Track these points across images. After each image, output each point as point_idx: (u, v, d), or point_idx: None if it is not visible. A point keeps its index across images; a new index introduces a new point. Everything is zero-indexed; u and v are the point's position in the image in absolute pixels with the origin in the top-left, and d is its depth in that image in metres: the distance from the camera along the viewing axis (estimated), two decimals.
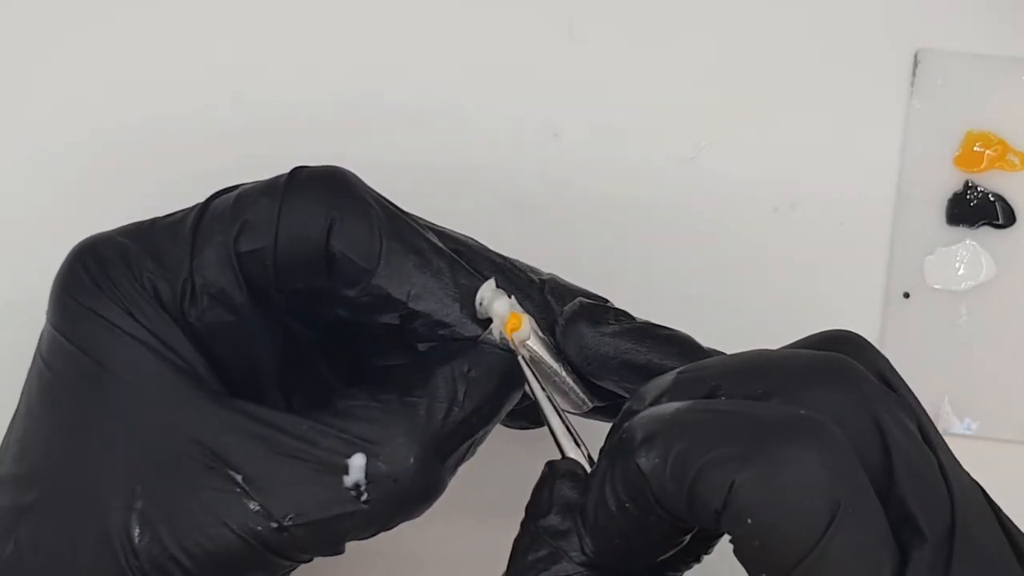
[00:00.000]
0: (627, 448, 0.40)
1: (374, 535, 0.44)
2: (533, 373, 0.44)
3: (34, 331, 0.45)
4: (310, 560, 0.44)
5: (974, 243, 0.55)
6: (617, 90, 0.55)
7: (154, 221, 0.45)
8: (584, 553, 0.41)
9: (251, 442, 0.43)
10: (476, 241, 0.46)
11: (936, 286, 0.55)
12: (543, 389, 0.44)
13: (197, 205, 0.45)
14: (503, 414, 0.45)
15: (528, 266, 0.46)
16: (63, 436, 0.43)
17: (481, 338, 0.44)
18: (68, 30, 0.56)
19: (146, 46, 0.56)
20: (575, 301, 0.45)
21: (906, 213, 0.55)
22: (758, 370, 0.40)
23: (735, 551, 0.39)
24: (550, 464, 0.43)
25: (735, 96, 0.56)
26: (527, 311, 0.45)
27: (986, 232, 0.55)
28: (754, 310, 0.55)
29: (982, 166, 0.55)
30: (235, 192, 0.45)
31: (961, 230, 0.55)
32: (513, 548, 0.42)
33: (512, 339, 0.44)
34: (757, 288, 0.55)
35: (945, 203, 0.55)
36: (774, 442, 0.38)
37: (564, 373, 0.44)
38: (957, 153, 0.55)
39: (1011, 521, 0.41)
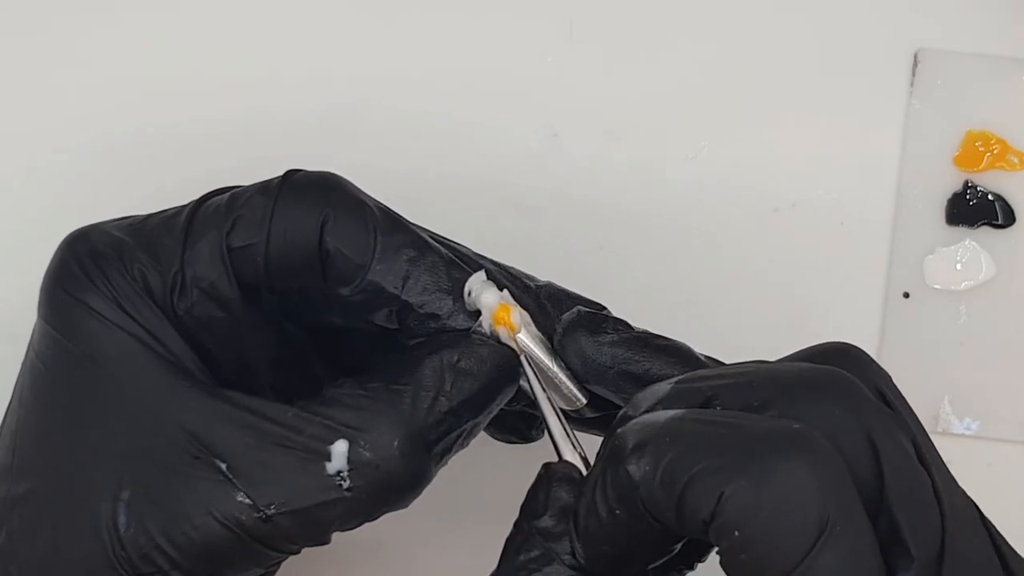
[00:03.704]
0: (618, 455, 0.40)
1: (359, 525, 0.44)
2: (533, 371, 0.44)
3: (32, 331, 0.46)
4: (298, 551, 0.44)
5: (974, 243, 0.55)
6: (617, 91, 0.56)
7: (148, 216, 0.45)
8: (575, 558, 0.41)
9: (237, 431, 0.43)
10: (469, 249, 0.46)
11: (936, 286, 0.55)
12: (543, 389, 0.44)
13: (191, 202, 0.45)
14: (494, 407, 0.44)
15: (523, 272, 0.46)
16: (54, 428, 0.43)
17: (472, 329, 0.44)
18: (69, 33, 0.56)
19: (149, 50, 0.56)
20: (573, 310, 0.45)
21: (906, 213, 0.55)
22: (755, 382, 0.40)
23: (721, 563, 0.38)
24: (547, 466, 0.43)
25: (735, 97, 0.56)
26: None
27: (986, 232, 0.55)
28: (754, 311, 0.55)
29: (982, 166, 0.55)
30: (230, 191, 0.45)
31: (961, 230, 0.55)
32: (505, 547, 0.42)
33: (499, 331, 0.44)
34: (757, 289, 0.55)
35: (945, 203, 0.55)
36: (765, 454, 0.38)
37: (556, 368, 0.44)
38: (957, 153, 0.55)
39: (1005, 540, 0.41)
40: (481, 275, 0.44)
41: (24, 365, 0.45)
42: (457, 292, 0.44)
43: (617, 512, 0.40)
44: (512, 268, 0.46)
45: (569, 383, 0.44)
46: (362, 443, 0.42)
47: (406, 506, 0.44)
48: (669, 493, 0.38)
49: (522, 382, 0.45)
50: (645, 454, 0.39)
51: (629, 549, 0.41)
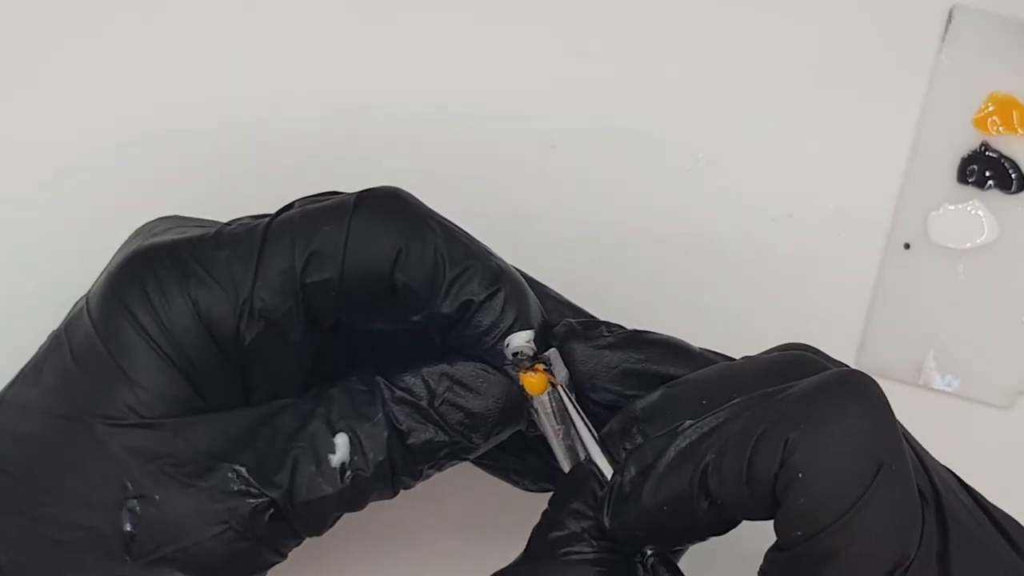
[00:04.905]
0: (685, 453, 0.41)
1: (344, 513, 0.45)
2: (569, 398, 0.44)
3: (36, 338, 0.46)
4: (297, 544, 0.45)
5: (981, 204, 0.55)
6: (614, 103, 0.55)
7: (216, 233, 0.44)
8: (603, 536, 0.42)
9: (250, 436, 0.44)
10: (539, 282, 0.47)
11: (937, 241, 0.55)
12: (579, 413, 0.44)
13: (259, 223, 0.44)
14: (490, 434, 0.45)
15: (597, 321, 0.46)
16: (65, 425, 0.44)
17: (505, 361, 0.44)
18: (78, 46, 0.55)
19: (158, 60, 0.55)
20: (563, 322, 0.45)
21: (918, 165, 0.55)
22: (726, 379, 0.42)
23: (776, 521, 0.39)
24: (579, 464, 0.44)
25: (733, 107, 0.55)
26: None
27: (994, 195, 0.55)
28: (753, 319, 0.55)
29: (1000, 129, 0.55)
30: (296, 214, 0.44)
31: (970, 189, 0.55)
32: (533, 532, 0.43)
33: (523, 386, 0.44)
34: (756, 297, 0.55)
35: (958, 161, 0.55)
36: (823, 399, 0.39)
37: (557, 437, 0.44)
38: (977, 114, 0.55)
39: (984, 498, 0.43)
40: (527, 335, 0.44)
41: (52, 345, 0.45)
42: (515, 328, 0.44)
43: (665, 508, 0.41)
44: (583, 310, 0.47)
45: (564, 453, 0.44)
46: (360, 436, 0.44)
47: (393, 496, 0.45)
48: (739, 463, 0.39)
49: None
50: (711, 437, 0.41)
51: (664, 535, 0.42)
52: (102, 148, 0.55)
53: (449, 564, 0.53)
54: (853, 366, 0.53)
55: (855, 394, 0.39)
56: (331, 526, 0.45)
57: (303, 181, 0.48)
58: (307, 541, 0.45)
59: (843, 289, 0.55)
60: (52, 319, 0.46)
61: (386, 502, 0.45)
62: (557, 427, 0.44)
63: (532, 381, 0.43)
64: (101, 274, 0.45)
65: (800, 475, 0.38)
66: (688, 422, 0.42)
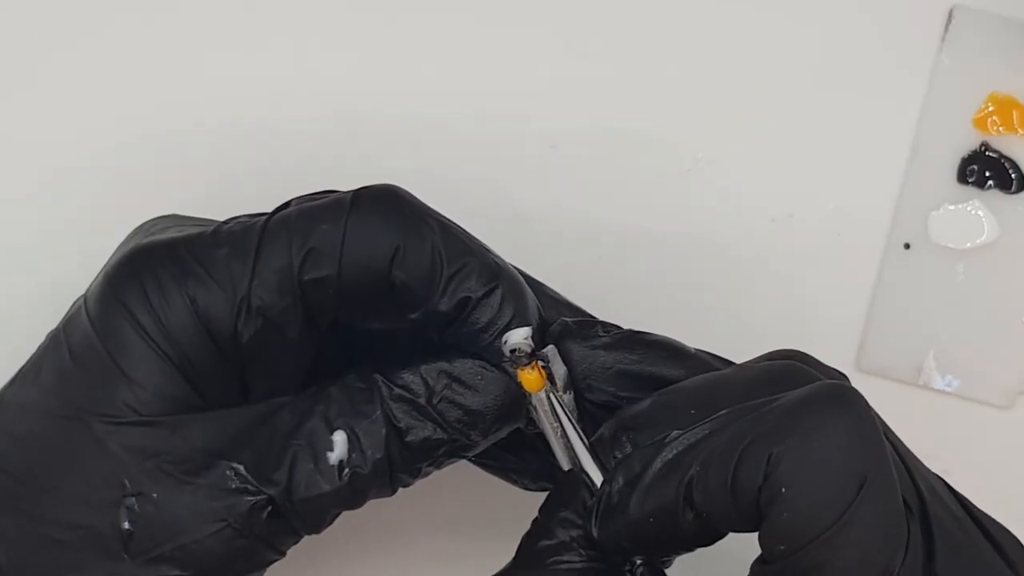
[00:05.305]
0: (673, 465, 0.41)
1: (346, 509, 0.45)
2: (561, 405, 0.44)
3: (36, 338, 0.46)
4: (295, 542, 0.45)
5: (981, 204, 0.55)
6: (614, 102, 0.55)
7: (215, 231, 0.44)
8: (592, 546, 0.42)
9: (248, 434, 0.44)
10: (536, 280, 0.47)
11: (937, 241, 0.55)
12: (570, 421, 0.44)
13: (257, 221, 0.44)
14: (489, 431, 0.45)
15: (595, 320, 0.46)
16: (64, 424, 0.44)
17: (503, 358, 0.44)
18: (74, 47, 0.55)
19: (159, 60, 0.55)
20: (559, 321, 0.45)
21: (918, 165, 0.55)
22: (716, 389, 0.42)
23: (760, 536, 0.39)
24: (570, 471, 0.44)
25: (740, 92, 0.55)
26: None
27: (994, 195, 0.55)
28: (752, 320, 0.55)
29: (1000, 129, 0.55)
30: (293, 212, 0.44)
31: (970, 189, 0.55)
32: (523, 541, 0.43)
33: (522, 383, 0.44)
34: (755, 298, 0.55)
35: (958, 161, 0.55)
36: (808, 413, 0.39)
37: (556, 435, 0.44)
38: (977, 114, 0.55)
39: (972, 503, 0.43)
40: (524, 331, 0.44)
41: (50, 345, 0.45)
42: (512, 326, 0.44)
43: (651, 519, 0.41)
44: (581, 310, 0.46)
45: (563, 451, 0.44)
46: (358, 434, 0.44)
47: (392, 494, 0.45)
48: (723, 476, 0.39)
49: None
50: (697, 449, 0.40)
51: (650, 546, 0.42)
52: (102, 148, 0.55)
53: (448, 564, 0.53)
54: (853, 366, 0.54)
55: (840, 408, 0.39)
56: (329, 524, 0.45)
57: (303, 181, 0.48)
58: (306, 540, 0.45)
59: (843, 289, 0.55)
60: (52, 319, 0.46)
61: (385, 501, 0.45)
62: (555, 424, 0.44)
63: (530, 378, 0.43)
64: (99, 273, 0.45)
65: (784, 489, 0.38)
66: (676, 432, 0.42)
